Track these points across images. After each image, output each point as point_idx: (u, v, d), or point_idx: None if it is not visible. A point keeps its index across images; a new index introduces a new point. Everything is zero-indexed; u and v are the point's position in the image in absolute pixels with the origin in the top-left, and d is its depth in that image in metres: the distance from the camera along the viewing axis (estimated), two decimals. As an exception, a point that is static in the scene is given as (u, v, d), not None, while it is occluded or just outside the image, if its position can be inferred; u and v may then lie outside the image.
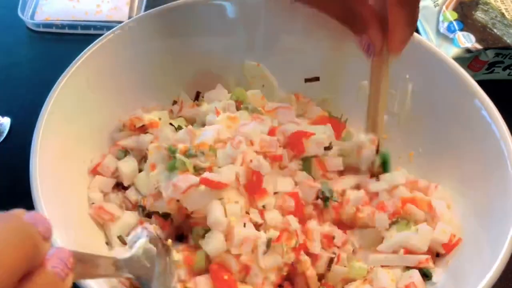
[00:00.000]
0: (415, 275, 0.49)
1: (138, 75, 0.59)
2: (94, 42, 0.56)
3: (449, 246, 0.50)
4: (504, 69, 0.75)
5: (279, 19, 0.60)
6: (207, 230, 0.48)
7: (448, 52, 0.72)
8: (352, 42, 0.54)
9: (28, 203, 0.60)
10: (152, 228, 0.48)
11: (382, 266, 0.50)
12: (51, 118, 0.51)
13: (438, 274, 0.50)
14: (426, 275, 0.50)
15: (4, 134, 0.67)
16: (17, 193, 0.62)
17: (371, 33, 0.49)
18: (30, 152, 0.50)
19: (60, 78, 0.53)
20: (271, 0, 0.59)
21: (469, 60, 0.73)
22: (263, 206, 0.49)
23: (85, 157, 0.56)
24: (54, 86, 0.52)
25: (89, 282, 0.41)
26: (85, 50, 0.55)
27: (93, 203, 0.53)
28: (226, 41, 0.62)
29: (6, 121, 0.68)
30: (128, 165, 0.55)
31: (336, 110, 0.62)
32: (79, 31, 0.79)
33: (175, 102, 0.62)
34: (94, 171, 0.55)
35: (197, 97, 0.64)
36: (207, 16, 0.60)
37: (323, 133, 0.54)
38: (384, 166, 0.56)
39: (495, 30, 0.73)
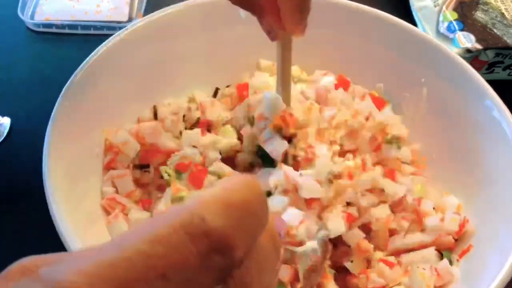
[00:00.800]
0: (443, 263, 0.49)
1: (153, 70, 0.60)
2: (116, 34, 0.57)
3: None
4: (504, 69, 0.75)
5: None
6: None
7: (448, 52, 0.72)
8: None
9: (28, 203, 0.61)
10: None
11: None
12: (64, 114, 0.51)
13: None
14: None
15: (4, 134, 0.67)
16: (17, 193, 0.62)
17: (268, 20, 0.49)
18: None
19: (77, 70, 0.53)
20: None
21: (469, 60, 0.73)
22: None
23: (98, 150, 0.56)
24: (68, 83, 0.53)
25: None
26: (109, 39, 0.56)
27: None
28: (241, 38, 0.62)
29: (6, 121, 0.68)
30: None
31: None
32: (79, 31, 0.79)
33: (191, 100, 0.62)
34: (108, 166, 0.55)
35: (216, 93, 0.63)
36: (221, 13, 0.60)
37: None
38: None
39: (495, 30, 0.73)
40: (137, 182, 0.55)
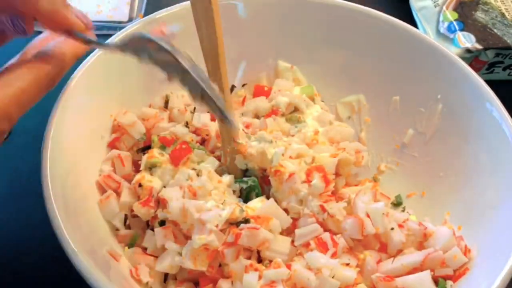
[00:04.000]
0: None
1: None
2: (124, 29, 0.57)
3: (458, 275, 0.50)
4: (504, 69, 0.75)
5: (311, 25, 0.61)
6: None
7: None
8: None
9: (28, 203, 0.61)
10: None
11: None
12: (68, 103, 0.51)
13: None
14: None
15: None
16: (17, 193, 0.62)
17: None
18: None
19: (80, 66, 0.53)
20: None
21: (469, 60, 0.73)
22: None
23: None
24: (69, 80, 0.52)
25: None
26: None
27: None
28: (260, 40, 0.62)
29: (6, 121, 0.68)
30: None
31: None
32: (80, 32, 0.79)
33: None
34: (112, 145, 0.56)
35: (231, 91, 0.63)
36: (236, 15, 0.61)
37: None
38: None
39: (495, 30, 0.73)
40: (136, 165, 0.55)
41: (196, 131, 0.58)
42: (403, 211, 0.58)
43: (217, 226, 0.47)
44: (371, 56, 0.61)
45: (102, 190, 0.53)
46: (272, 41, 0.62)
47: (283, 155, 0.52)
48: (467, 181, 0.55)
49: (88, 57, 0.53)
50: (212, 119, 0.59)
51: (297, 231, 0.50)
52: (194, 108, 0.60)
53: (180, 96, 0.60)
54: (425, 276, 0.48)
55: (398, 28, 0.60)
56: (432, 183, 0.58)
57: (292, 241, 0.50)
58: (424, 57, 0.59)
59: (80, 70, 0.52)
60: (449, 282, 0.49)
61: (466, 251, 0.50)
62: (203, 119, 0.58)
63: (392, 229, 0.50)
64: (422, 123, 0.60)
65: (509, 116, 0.52)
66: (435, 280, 0.49)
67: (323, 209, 0.50)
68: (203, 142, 0.58)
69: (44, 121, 0.52)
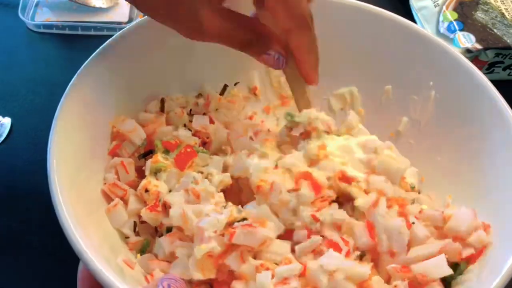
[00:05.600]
0: None
1: (161, 64, 0.59)
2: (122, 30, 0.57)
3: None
4: (504, 69, 0.75)
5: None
6: None
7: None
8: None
9: (28, 203, 0.61)
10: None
11: None
12: (71, 103, 0.51)
13: None
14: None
15: (5, 135, 0.67)
16: (17, 193, 0.63)
17: (276, 47, 0.50)
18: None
19: (85, 63, 0.53)
20: None
21: (469, 60, 0.72)
22: None
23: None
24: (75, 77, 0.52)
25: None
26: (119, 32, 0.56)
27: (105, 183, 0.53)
28: None
29: (6, 121, 0.68)
30: None
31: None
32: (80, 32, 0.79)
33: (199, 95, 0.62)
34: (113, 153, 0.55)
35: (224, 90, 0.63)
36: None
37: None
38: None
39: (495, 30, 0.73)
40: (139, 171, 0.55)
41: (195, 134, 0.58)
42: (419, 193, 0.57)
43: (215, 232, 0.47)
44: (362, 48, 0.61)
45: (107, 198, 0.53)
46: None
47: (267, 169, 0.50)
48: (465, 163, 0.55)
49: (81, 68, 0.53)
50: (211, 122, 0.59)
51: (297, 247, 0.48)
52: (190, 110, 0.60)
53: (175, 99, 0.60)
54: (441, 260, 0.46)
55: (386, 18, 0.60)
56: (430, 168, 0.58)
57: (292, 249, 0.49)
58: (413, 45, 0.59)
59: (72, 83, 0.52)
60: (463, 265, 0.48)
61: (486, 229, 0.49)
62: (202, 121, 0.58)
63: (413, 223, 0.48)
64: (416, 111, 0.60)
65: (502, 97, 0.53)
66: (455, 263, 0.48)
67: (315, 219, 0.48)
68: (203, 144, 0.58)
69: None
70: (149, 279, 0.48)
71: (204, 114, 0.60)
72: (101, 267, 0.41)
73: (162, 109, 0.59)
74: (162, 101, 0.59)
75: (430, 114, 0.59)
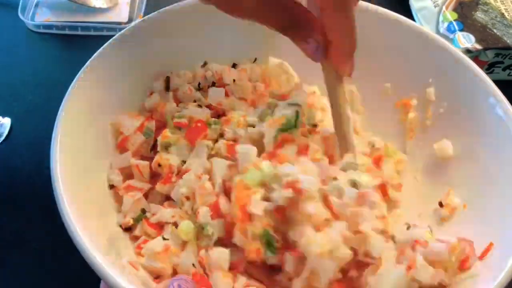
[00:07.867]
0: None
1: (162, 64, 0.59)
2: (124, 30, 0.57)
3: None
4: (504, 69, 0.75)
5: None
6: None
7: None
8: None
9: (28, 203, 0.61)
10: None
11: None
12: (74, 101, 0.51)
13: None
14: None
15: (4, 135, 0.67)
16: (17, 193, 0.62)
17: (317, 35, 0.46)
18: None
19: (87, 63, 0.53)
20: None
21: (469, 60, 0.73)
22: None
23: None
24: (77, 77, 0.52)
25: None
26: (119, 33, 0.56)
27: (111, 185, 0.53)
28: (248, 35, 0.61)
29: (6, 122, 0.68)
30: None
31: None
32: (79, 32, 0.79)
33: (204, 64, 0.61)
34: (121, 146, 0.55)
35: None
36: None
37: None
38: None
39: (495, 30, 0.74)
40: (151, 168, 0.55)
41: (209, 106, 0.57)
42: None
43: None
44: (361, 47, 0.61)
45: (112, 198, 0.53)
46: (261, 37, 0.62)
47: None
48: (467, 158, 0.55)
49: (82, 69, 0.53)
50: (226, 95, 0.57)
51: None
52: (199, 84, 0.59)
53: (182, 75, 0.59)
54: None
55: (383, 16, 0.60)
56: (431, 163, 0.58)
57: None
58: (411, 42, 0.59)
59: (78, 78, 0.52)
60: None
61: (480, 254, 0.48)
62: (219, 93, 0.57)
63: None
64: (416, 108, 0.60)
65: (501, 91, 0.53)
66: None
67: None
68: (218, 116, 0.57)
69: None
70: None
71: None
72: (109, 270, 0.41)
73: (167, 88, 0.59)
74: (167, 79, 0.59)
75: (429, 111, 0.59)
